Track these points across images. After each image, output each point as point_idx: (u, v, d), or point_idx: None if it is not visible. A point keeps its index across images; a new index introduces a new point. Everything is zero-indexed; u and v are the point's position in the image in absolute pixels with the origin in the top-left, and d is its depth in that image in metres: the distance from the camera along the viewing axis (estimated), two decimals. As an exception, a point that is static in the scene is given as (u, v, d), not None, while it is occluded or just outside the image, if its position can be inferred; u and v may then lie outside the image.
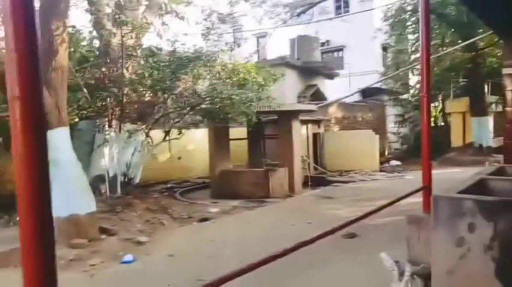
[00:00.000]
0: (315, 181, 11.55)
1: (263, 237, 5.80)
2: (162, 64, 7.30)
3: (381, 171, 13.61)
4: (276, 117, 10.39)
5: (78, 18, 7.16)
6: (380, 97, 19.69)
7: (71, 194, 5.21)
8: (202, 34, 7.95)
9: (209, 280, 1.94)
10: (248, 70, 8.51)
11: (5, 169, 8.62)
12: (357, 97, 18.86)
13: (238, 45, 8.56)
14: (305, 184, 11.01)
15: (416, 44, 15.67)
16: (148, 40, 8.26)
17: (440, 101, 18.86)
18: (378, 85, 18.88)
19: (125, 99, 6.83)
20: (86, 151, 7.07)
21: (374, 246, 5.22)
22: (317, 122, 13.79)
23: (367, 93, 19.51)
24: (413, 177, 11.34)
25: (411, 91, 19.87)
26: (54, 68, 5.16)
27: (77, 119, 7.07)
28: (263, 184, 9.48)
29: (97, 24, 7.33)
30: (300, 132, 11.19)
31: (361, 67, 20.19)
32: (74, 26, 5.83)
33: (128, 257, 4.93)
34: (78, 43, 7.07)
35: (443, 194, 2.68)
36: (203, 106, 7.90)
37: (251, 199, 9.22)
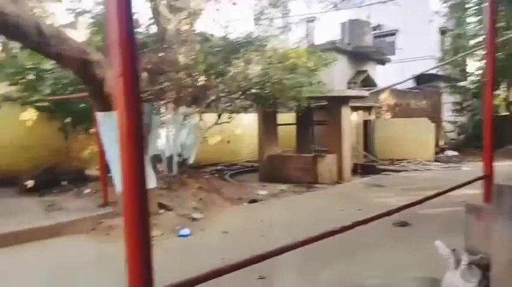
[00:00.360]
0: (364, 169, 11.37)
1: (312, 220, 5.89)
2: (215, 49, 7.50)
3: (435, 161, 13.07)
4: (326, 103, 10.30)
5: (138, 5, 7.48)
6: (436, 84, 18.68)
7: (133, 171, 5.58)
8: (254, 19, 8.00)
9: (265, 251, 2.06)
10: (299, 55, 8.48)
11: (72, 147, 9.40)
12: (410, 84, 18.06)
13: (289, 30, 8.51)
14: (354, 172, 10.87)
15: (477, 27, 14.59)
16: (202, 26, 8.49)
17: (505, 88, 17.53)
18: (433, 71, 17.91)
19: (180, 84, 7.11)
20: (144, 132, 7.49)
21: (426, 235, 5.12)
22: (368, 109, 13.46)
23: (422, 79, 18.58)
24: (471, 168, 10.79)
25: (470, 78, 18.65)
26: (119, 53, 5.50)
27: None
28: (311, 169, 9.51)
29: (155, 11, 7.66)
30: (350, 119, 11.00)
31: (416, 52, 19.22)
32: (135, 13, 6.13)
33: (185, 231, 5.25)
34: (138, 29, 7.44)
35: (507, 183, 2.60)
36: (253, 91, 8.03)
37: (299, 184, 9.31)
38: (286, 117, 11.35)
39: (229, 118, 8.54)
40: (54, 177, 8.06)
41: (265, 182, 9.76)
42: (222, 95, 8.12)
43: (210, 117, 8.36)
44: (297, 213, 6.60)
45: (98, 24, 7.89)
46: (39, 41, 4.22)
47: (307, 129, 11.50)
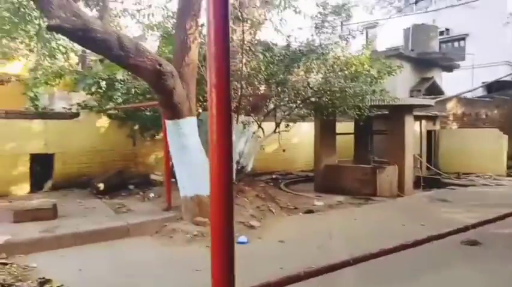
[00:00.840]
0: (427, 182, 10.75)
1: (371, 234, 5.69)
2: (277, 58, 7.59)
3: (508, 176, 12.00)
4: (387, 112, 9.93)
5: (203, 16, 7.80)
6: (510, 92, 17.24)
7: (196, 177, 5.81)
8: (316, 27, 7.97)
9: (322, 265, 2.04)
10: (361, 62, 8.31)
11: (139, 152, 10.01)
12: (480, 92, 16.83)
13: (354, 37, 8.36)
14: (416, 185, 10.33)
15: None
16: (265, 35, 8.65)
17: None
18: (508, 78, 16.55)
19: (241, 92, 7.28)
20: (205, 139, 7.75)
21: (501, 256, 4.73)
22: (432, 119, 12.75)
23: (494, 87, 17.24)
24: (552, 185, 9.77)
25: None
26: (186, 63, 5.80)
27: (200, 110, 7.82)
28: (370, 181, 9.20)
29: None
30: (413, 129, 10.50)
31: (488, 58, 17.90)
32: (202, 25, 6.42)
33: (243, 238, 5.34)
34: (205, 39, 7.78)
35: None
36: (313, 99, 7.98)
37: (356, 195, 9.03)
38: (344, 127, 11.13)
39: (287, 127, 8.57)
40: (122, 181, 8.63)
41: (321, 192, 9.60)
42: (281, 103, 8.17)
43: (268, 125, 8.45)
44: (355, 226, 6.41)
45: (167, 36, 8.37)
46: (120, 53, 4.58)
47: (367, 139, 11.16)
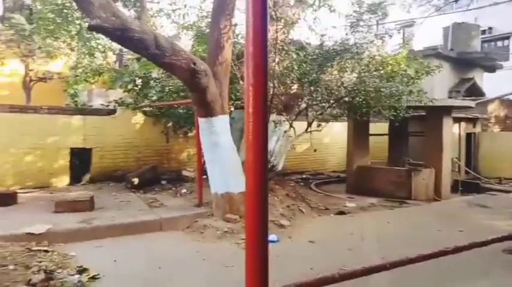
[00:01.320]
0: (466, 187, 10.31)
1: (405, 239, 5.52)
2: (310, 57, 7.51)
3: (555, 183, 11.30)
4: (424, 113, 9.60)
5: (239, 15, 7.86)
6: (559, 94, 16.19)
7: (227, 174, 5.86)
8: (351, 26, 7.82)
9: (354, 267, 1.98)
10: (398, 62, 8.07)
11: (172, 149, 10.23)
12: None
13: (390, 36, 8.13)
14: (454, 189, 9.92)
15: None
16: (298, 34, 8.58)
17: None
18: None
19: (273, 91, 7.26)
20: (236, 137, 7.80)
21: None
22: (472, 121, 12.20)
23: (540, 89, 16.25)
24: None
25: None
26: (220, 62, 5.85)
27: (232, 108, 7.87)
28: (405, 184, 8.93)
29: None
30: (452, 131, 10.09)
31: (535, 58, 16.91)
32: (235, 24, 6.46)
33: (273, 237, 5.32)
34: (238, 39, 7.82)
35: None
36: (346, 99, 7.84)
37: (390, 198, 8.80)
38: (377, 127, 10.86)
39: (318, 126, 8.46)
40: (155, 176, 8.85)
41: (352, 194, 9.43)
42: (313, 103, 8.08)
43: (299, 125, 8.38)
44: (389, 229, 6.23)
45: (201, 35, 8.48)
46: (156, 52, 4.69)
47: (402, 140, 10.83)
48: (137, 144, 9.70)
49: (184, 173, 8.99)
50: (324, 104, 8.06)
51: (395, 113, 7.66)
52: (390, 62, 7.99)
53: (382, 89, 6.97)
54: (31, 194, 7.57)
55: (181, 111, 9.03)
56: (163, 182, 8.79)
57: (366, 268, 1.84)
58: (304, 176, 11.83)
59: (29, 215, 5.67)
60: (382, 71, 7.72)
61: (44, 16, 9.30)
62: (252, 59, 1.39)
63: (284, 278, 1.58)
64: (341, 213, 7.36)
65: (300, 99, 8.03)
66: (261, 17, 1.44)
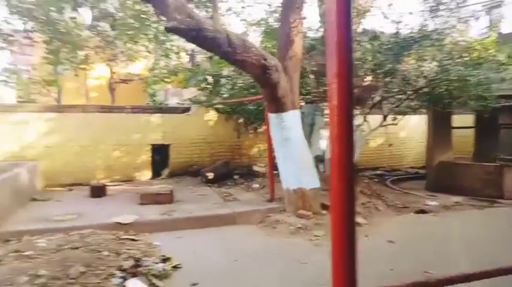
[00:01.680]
0: None
1: (498, 243, 4.96)
2: (384, 47, 7.11)
3: None
4: (518, 102, 8.56)
5: (308, 10, 7.70)
6: None
7: (299, 170, 5.80)
8: (430, 11, 7.24)
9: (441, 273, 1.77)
10: (485, 47, 7.29)
11: (243, 144, 10.44)
12: None
13: (476, 19, 7.39)
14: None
15: None
16: (371, 23, 8.17)
17: None
18: None
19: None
20: (307, 132, 7.70)
21: None
22: None
23: None
24: None
25: None
26: (290, 57, 5.79)
27: (302, 103, 7.78)
28: (495, 181, 8.06)
29: (323, 14, 7.77)
30: (553, 122, 8.89)
31: None
32: (305, 18, 6.34)
33: (349, 234, 5.14)
34: (307, 33, 7.69)
35: None
36: (426, 90, 7.29)
37: (478, 197, 8.00)
38: (460, 119, 9.96)
39: (394, 120, 7.99)
40: (228, 171, 9.12)
41: (433, 191, 8.75)
42: (389, 95, 7.66)
43: (374, 118, 8.00)
44: (478, 231, 5.67)
45: (270, 32, 8.50)
46: (228, 50, 4.79)
47: (491, 133, 9.79)
48: (211, 140, 10.08)
49: (256, 168, 9.13)
50: (400, 95, 7.60)
51: (483, 104, 6.93)
52: (476, 47, 7.24)
53: (468, 78, 6.35)
54: (118, 187, 8.27)
55: (251, 107, 9.17)
56: (236, 177, 9.02)
57: (465, 275, 1.66)
58: (378, 172, 11.31)
59: (117, 206, 6.19)
60: (467, 58, 7.04)
61: (124, 22, 10.06)
62: (337, 49, 1.32)
63: (362, 279, 1.48)
64: (422, 212, 6.87)
65: (374, 92, 7.66)
66: (345, 4, 1.36)
